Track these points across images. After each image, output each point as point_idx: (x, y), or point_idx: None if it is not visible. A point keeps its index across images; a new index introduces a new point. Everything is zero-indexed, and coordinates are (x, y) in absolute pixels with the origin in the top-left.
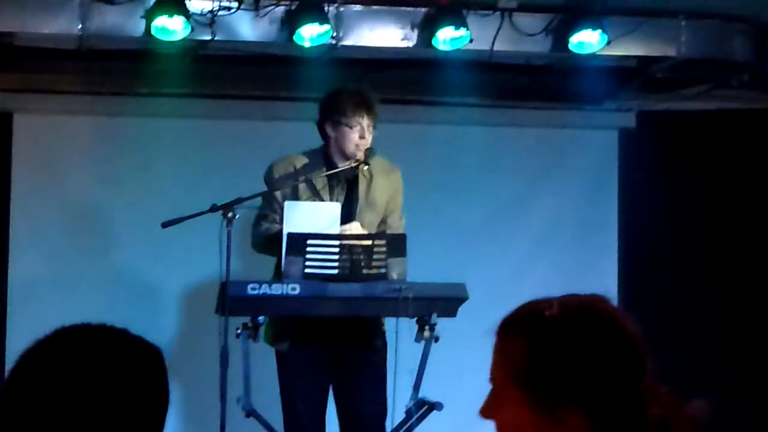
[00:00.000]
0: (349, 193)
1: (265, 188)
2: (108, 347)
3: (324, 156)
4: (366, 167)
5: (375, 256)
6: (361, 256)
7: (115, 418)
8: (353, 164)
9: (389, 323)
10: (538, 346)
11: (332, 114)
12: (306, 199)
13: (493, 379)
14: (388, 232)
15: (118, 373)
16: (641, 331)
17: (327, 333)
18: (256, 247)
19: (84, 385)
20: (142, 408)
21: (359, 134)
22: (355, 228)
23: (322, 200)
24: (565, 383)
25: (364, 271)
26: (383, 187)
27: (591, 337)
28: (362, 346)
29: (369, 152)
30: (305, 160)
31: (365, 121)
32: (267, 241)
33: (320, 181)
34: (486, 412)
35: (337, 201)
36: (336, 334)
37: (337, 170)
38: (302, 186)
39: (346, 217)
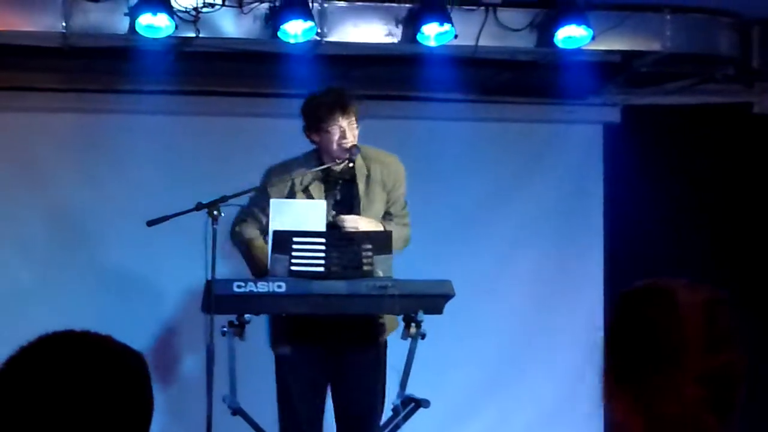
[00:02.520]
0: (348, 191)
1: (259, 189)
2: (90, 355)
3: (317, 158)
4: (351, 165)
5: (361, 254)
6: (347, 254)
7: (97, 426)
8: (338, 164)
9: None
10: None
11: (311, 120)
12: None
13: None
14: (394, 222)
15: (100, 381)
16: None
17: (324, 332)
18: (234, 246)
19: (66, 393)
20: (125, 416)
21: (339, 135)
22: (352, 220)
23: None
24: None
25: (350, 268)
26: (382, 179)
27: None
28: (360, 344)
29: (354, 149)
30: (301, 165)
31: (343, 122)
32: (242, 252)
33: (316, 187)
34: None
35: (335, 201)
36: (333, 333)
37: (320, 168)
38: (299, 191)
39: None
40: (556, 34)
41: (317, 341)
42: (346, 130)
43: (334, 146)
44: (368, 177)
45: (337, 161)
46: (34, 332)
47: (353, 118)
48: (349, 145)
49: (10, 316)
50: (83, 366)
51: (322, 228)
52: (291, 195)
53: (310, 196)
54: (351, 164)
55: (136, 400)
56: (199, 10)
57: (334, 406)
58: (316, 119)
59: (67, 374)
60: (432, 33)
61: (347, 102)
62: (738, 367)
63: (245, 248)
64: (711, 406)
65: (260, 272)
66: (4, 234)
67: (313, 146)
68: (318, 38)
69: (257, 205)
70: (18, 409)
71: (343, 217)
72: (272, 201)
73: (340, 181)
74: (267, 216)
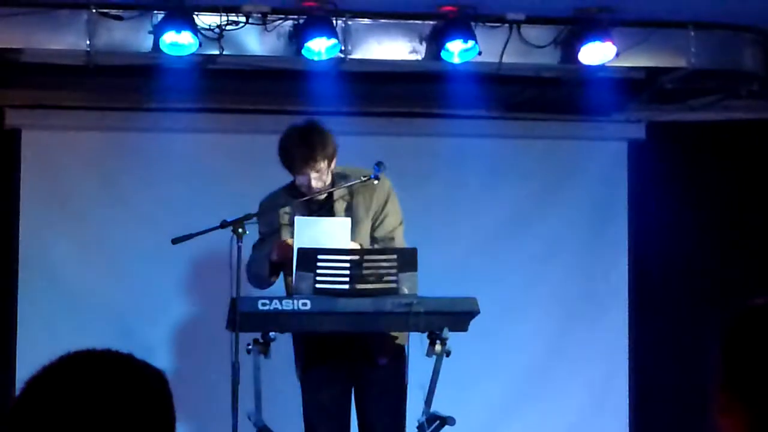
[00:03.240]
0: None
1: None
2: (111, 374)
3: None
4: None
5: (386, 271)
6: (372, 271)
7: None
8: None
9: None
10: None
11: (284, 165)
12: (288, 232)
13: (714, 390)
14: (385, 234)
15: (121, 399)
16: None
17: (345, 349)
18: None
19: (88, 412)
20: None
21: (307, 185)
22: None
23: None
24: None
25: (375, 285)
26: (365, 204)
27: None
28: (382, 359)
29: (333, 181)
30: (286, 194)
31: (313, 173)
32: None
33: (299, 213)
34: (713, 421)
35: None
36: (354, 350)
37: (301, 200)
38: (283, 226)
39: None
40: (580, 50)
41: (341, 358)
42: (313, 180)
43: (304, 187)
44: (349, 204)
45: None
46: (60, 350)
47: (323, 165)
48: (321, 185)
49: (37, 332)
50: (104, 385)
51: (347, 245)
52: (278, 226)
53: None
54: (327, 195)
55: (158, 418)
56: (223, 27)
57: (359, 423)
58: (287, 166)
59: (89, 393)
60: (456, 50)
61: (315, 155)
62: None
63: (250, 273)
64: None
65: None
66: (31, 251)
67: None
68: (342, 55)
69: (261, 242)
70: (42, 428)
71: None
72: (297, 219)
73: (322, 212)
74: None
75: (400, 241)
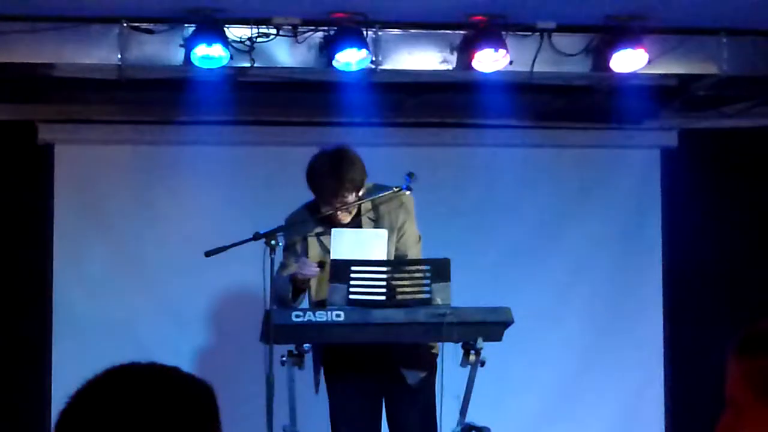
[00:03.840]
0: None
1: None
2: (160, 387)
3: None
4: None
5: (419, 282)
6: (405, 282)
7: None
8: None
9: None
10: None
11: (311, 190)
12: (314, 251)
13: (736, 397)
14: (401, 253)
15: (170, 412)
16: None
17: (376, 361)
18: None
19: (136, 426)
20: None
21: (333, 215)
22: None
23: (328, 250)
24: None
25: (408, 296)
26: (390, 222)
27: None
28: (413, 369)
29: (360, 204)
30: (312, 212)
31: (338, 204)
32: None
33: (326, 238)
34: (724, 430)
35: None
36: (385, 362)
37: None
38: (311, 240)
39: None
40: (611, 58)
41: (371, 370)
42: (340, 212)
43: (330, 212)
44: (375, 224)
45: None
46: (95, 363)
47: (351, 197)
48: (348, 207)
49: (71, 344)
50: (152, 398)
51: (384, 256)
52: (305, 242)
53: (322, 244)
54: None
55: (205, 430)
56: (254, 39)
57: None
58: (314, 192)
59: (136, 406)
60: (486, 59)
61: (344, 191)
62: None
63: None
64: None
65: (281, 301)
66: (65, 265)
67: None
68: (372, 66)
69: (285, 259)
70: None
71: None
72: (333, 230)
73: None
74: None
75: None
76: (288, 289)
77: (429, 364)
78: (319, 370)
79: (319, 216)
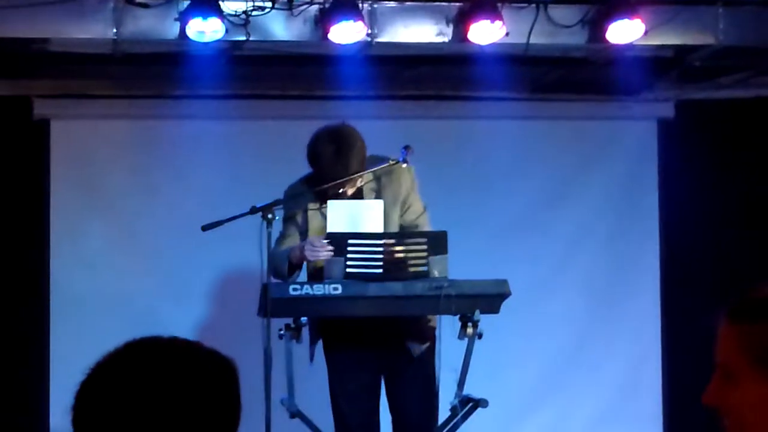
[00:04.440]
0: None
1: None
2: (182, 361)
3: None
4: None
5: (416, 255)
6: (402, 255)
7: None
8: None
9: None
10: None
11: (312, 168)
12: (316, 222)
13: (728, 363)
14: (410, 222)
15: (192, 387)
16: None
17: (375, 335)
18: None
19: (157, 399)
20: (216, 422)
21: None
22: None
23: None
24: None
25: (406, 269)
26: (393, 188)
27: None
28: (409, 344)
29: (361, 178)
30: (307, 186)
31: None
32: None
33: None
34: (713, 397)
35: None
36: (384, 336)
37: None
38: (312, 212)
39: None
40: (607, 29)
41: (370, 343)
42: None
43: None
44: (377, 193)
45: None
46: (93, 340)
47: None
48: (347, 193)
49: (69, 321)
50: (174, 371)
51: (380, 228)
52: (305, 214)
53: (324, 216)
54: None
55: (228, 404)
56: (249, 13)
57: (390, 408)
58: (316, 172)
59: (159, 380)
60: (482, 31)
61: (348, 173)
62: None
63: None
64: None
65: (276, 274)
66: (62, 240)
67: None
68: (368, 39)
69: (284, 230)
70: (109, 415)
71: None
72: (330, 202)
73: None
74: (296, 235)
75: (426, 228)
76: (285, 264)
77: (429, 337)
78: (315, 342)
79: (318, 189)
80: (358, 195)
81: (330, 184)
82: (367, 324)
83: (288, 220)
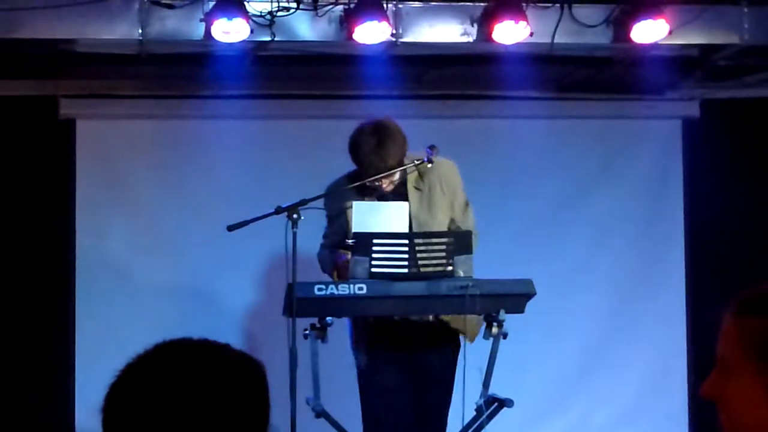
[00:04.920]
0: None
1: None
2: (212, 363)
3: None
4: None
5: (441, 254)
6: (427, 255)
7: None
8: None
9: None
10: None
11: (354, 164)
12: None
13: (726, 356)
14: (459, 217)
15: (222, 389)
16: None
17: (404, 334)
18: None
19: (186, 401)
20: (245, 425)
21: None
22: None
23: None
24: None
25: (431, 269)
26: (441, 188)
27: None
28: (438, 345)
29: (402, 172)
30: (349, 181)
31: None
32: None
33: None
34: (710, 390)
35: None
36: (413, 335)
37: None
38: (350, 212)
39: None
40: (632, 28)
41: (402, 343)
42: (383, 181)
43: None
44: (422, 191)
45: (386, 185)
46: (118, 338)
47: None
48: (388, 190)
49: (94, 320)
50: (204, 374)
51: (405, 229)
52: (345, 216)
53: None
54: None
55: (257, 407)
56: (274, 13)
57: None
58: (357, 167)
59: (189, 382)
60: (507, 31)
61: (388, 167)
62: None
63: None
64: None
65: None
66: (88, 239)
67: None
68: (393, 39)
69: (329, 228)
70: (139, 416)
71: None
72: (354, 203)
73: (397, 198)
74: (340, 233)
75: (472, 223)
76: (331, 270)
77: (455, 342)
78: (361, 349)
79: (353, 185)
80: (402, 189)
81: (367, 179)
82: (399, 324)
83: (332, 219)
